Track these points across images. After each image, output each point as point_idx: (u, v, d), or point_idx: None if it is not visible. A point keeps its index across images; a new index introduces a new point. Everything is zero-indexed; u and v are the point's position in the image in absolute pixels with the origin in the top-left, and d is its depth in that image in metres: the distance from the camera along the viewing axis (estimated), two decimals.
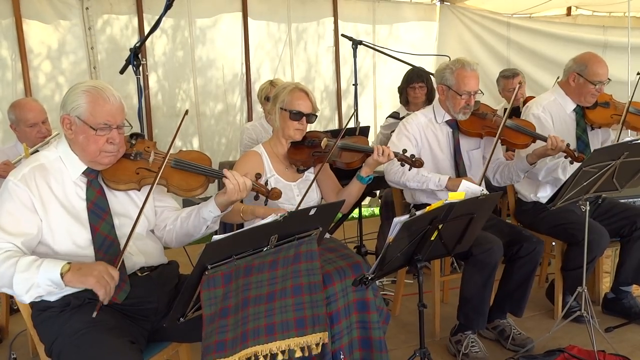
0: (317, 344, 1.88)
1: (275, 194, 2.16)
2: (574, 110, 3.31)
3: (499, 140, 3.05)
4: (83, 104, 1.97)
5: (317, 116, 2.72)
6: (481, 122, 3.08)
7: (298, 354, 1.84)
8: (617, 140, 3.24)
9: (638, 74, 3.34)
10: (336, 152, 2.66)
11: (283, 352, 1.82)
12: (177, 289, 2.16)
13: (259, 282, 1.74)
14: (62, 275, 1.77)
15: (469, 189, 2.42)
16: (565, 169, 3.06)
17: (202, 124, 5.51)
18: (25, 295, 1.81)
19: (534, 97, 3.84)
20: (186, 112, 2.14)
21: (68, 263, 1.81)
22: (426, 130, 3.11)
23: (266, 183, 2.18)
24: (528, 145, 3.04)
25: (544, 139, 2.91)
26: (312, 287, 1.88)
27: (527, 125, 3.09)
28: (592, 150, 3.22)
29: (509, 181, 3.16)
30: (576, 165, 2.94)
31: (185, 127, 5.33)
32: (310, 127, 2.78)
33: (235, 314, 1.71)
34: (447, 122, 3.12)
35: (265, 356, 1.78)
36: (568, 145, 2.91)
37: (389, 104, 6.20)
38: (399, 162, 2.70)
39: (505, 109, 3.27)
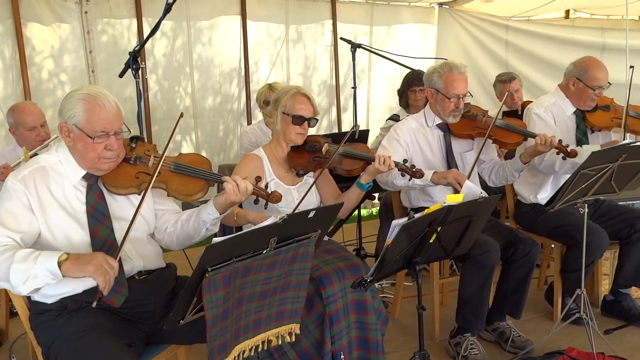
0: (289, 334, 1.92)
1: (275, 198, 2.16)
2: (574, 113, 3.32)
3: (492, 141, 3.05)
4: (79, 112, 1.96)
5: (317, 120, 2.73)
6: (472, 124, 3.09)
7: (274, 342, 1.88)
8: None
9: (631, 67, 3.35)
10: (337, 158, 2.67)
11: (263, 342, 1.85)
12: (175, 291, 2.17)
13: (254, 282, 1.75)
14: (59, 264, 1.75)
15: (470, 190, 2.42)
16: (580, 154, 3.00)
17: (202, 119, 5.54)
18: (22, 286, 1.78)
19: (532, 101, 3.85)
20: (181, 115, 2.13)
21: (66, 253, 1.80)
22: (417, 135, 3.11)
23: (266, 186, 2.18)
24: (520, 144, 3.04)
25: (535, 137, 2.91)
26: (298, 285, 1.90)
27: (517, 124, 3.09)
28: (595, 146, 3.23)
29: (504, 181, 3.16)
30: (585, 147, 2.95)
31: (185, 122, 5.35)
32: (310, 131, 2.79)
33: (232, 314, 1.72)
34: (437, 125, 3.12)
35: (250, 349, 1.80)
36: (560, 141, 2.90)
37: (382, 106, 6.26)
38: (399, 172, 2.69)
39: (503, 112, 3.28)
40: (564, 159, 2.94)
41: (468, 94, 3.02)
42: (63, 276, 1.77)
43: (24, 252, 1.81)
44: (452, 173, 2.85)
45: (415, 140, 3.10)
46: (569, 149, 2.90)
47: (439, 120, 3.11)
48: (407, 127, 3.12)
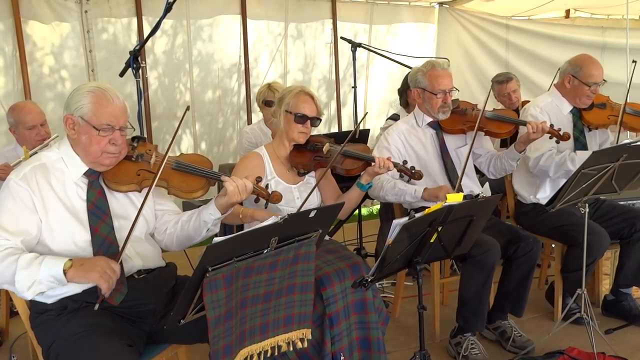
0: (301, 339, 1.91)
1: (275, 197, 2.16)
2: (570, 111, 3.32)
3: (484, 133, 3.06)
4: (87, 104, 1.98)
5: (321, 120, 2.73)
6: (462, 118, 3.11)
7: (284, 348, 1.88)
8: (617, 142, 3.25)
9: (634, 62, 3.35)
10: (338, 158, 2.67)
11: (273, 348, 1.85)
12: (175, 291, 2.17)
13: (257, 283, 1.75)
14: (64, 272, 1.79)
15: None
16: (574, 160, 3.06)
17: (202, 115, 5.54)
18: (27, 292, 1.82)
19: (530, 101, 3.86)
20: (187, 109, 2.15)
21: (69, 259, 1.83)
22: (409, 137, 3.13)
23: (267, 187, 2.18)
24: (511, 133, 3.06)
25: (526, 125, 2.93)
26: (304, 287, 1.90)
27: (507, 114, 3.11)
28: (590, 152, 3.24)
29: (503, 172, 3.17)
30: (580, 154, 3.00)
31: (185, 118, 5.32)
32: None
33: (236, 315, 1.71)
34: (429, 124, 3.14)
35: (259, 354, 1.81)
36: (552, 125, 2.92)
37: (380, 104, 6.27)
38: (399, 174, 2.70)
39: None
40: (557, 142, 2.95)
41: (454, 89, 3.05)
42: (68, 282, 1.81)
43: (27, 257, 1.82)
44: (443, 191, 2.79)
45: (407, 143, 3.12)
46: (561, 132, 2.92)
47: (429, 119, 3.13)
48: (397, 132, 3.14)
